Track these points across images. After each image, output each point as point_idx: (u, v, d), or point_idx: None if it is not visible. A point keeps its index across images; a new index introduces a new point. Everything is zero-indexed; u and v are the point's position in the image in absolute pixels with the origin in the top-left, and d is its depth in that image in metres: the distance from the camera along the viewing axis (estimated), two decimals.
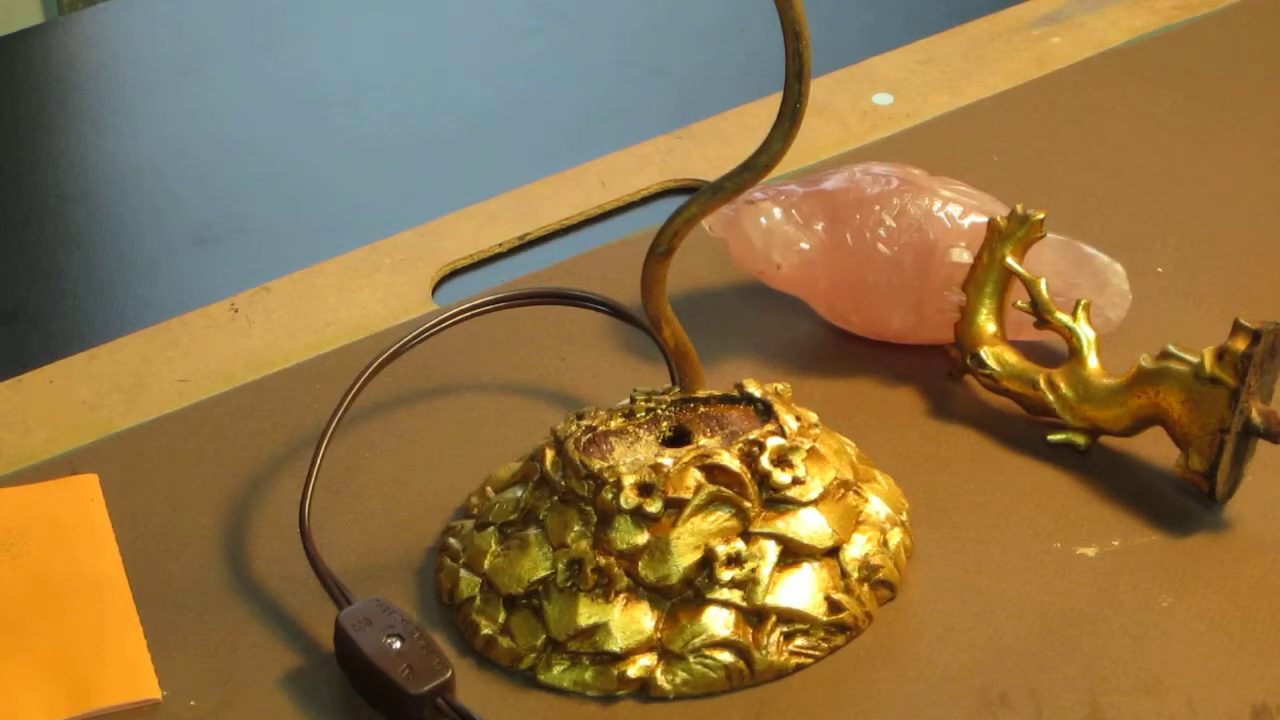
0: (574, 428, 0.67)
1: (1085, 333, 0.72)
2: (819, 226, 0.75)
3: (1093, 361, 0.72)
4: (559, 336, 0.79)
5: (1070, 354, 0.72)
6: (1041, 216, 0.73)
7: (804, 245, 0.75)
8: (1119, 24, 0.97)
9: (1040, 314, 0.72)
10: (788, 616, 0.65)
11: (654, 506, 0.65)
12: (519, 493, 0.68)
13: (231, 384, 0.78)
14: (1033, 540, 0.69)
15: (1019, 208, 0.73)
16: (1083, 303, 0.72)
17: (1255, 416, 0.68)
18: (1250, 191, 0.85)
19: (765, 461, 0.66)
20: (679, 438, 0.68)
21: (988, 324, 0.74)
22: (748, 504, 0.65)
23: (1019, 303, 0.73)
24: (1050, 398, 0.72)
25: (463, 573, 0.67)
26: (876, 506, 0.68)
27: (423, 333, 0.73)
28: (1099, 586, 0.67)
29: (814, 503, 0.66)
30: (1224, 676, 0.64)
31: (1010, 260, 0.73)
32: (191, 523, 0.71)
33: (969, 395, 0.75)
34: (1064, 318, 0.72)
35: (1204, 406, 0.68)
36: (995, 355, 0.73)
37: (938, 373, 0.76)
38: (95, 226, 0.88)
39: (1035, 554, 0.68)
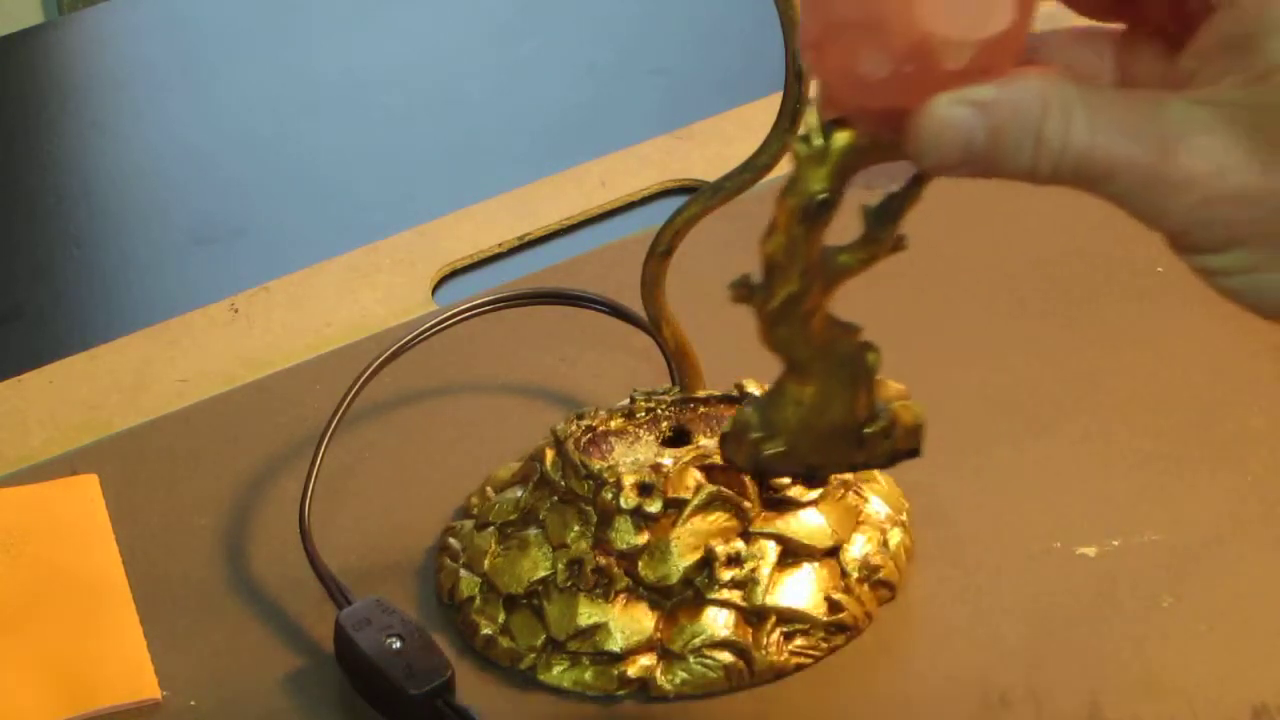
0: (574, 428, 0.67)
1: None
2: None
3: None
4: (559, 336, 0.78)
5: None
6: None
7: None
8: None
9: None
10: (788, 616, 0.65)
11: (654, 506, 0.65)
12: (519, 493, 0.68)
13: (231, 384, 0.78)
14: (1033, 540, 0.69)
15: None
16: None
17: None
18: None
19: None
20: (679, 438, 0.68)
21: None
22: (747, 504, 0.65)
23: None
24: None
25: (463, 573, 0.67)
26: (876, 506, 0.68)
27: (423, 333, 0.73)
28: (1099, 586, 0.67)
29: (814, 503, 0.66)
30: (1224, 677, 0.64)
31: None
32: (191, 523, 0.71)
33: (970, 395, 0.75)
34: None
35: None
36: None
37: (937, 373, 0.76)
38: (95, 226, 0.88)
39: (1035, 554, 0.68)
